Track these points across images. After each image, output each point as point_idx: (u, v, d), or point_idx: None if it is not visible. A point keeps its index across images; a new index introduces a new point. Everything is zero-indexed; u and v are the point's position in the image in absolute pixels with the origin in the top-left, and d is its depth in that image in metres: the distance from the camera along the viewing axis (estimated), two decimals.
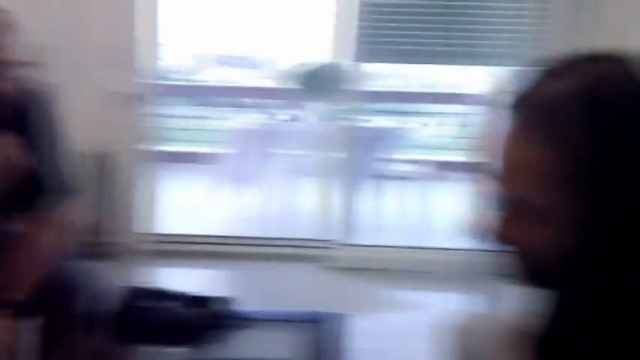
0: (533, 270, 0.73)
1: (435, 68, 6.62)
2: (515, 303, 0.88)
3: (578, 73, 0.64)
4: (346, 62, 3.33)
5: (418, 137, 5.42)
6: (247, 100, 7.70)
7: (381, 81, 8.31)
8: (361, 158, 3.94)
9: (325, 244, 3.50)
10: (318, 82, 4.21)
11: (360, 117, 3.76)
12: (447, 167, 5.96)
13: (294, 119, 4.47)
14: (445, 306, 2.94)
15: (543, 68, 0.67)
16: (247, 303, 2.99)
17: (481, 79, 3.97)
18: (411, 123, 6.84)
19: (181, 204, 4.54)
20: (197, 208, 4.68)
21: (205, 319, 1.31)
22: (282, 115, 4.64)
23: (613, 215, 0.62)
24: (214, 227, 4.19)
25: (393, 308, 3.07)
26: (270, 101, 7.32)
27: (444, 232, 4.15)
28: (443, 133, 4.97)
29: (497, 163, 0.69)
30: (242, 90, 8.25)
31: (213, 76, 9.59)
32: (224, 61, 9.82)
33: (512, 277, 0.76)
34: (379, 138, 4.11)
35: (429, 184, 4.44)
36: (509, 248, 0.73)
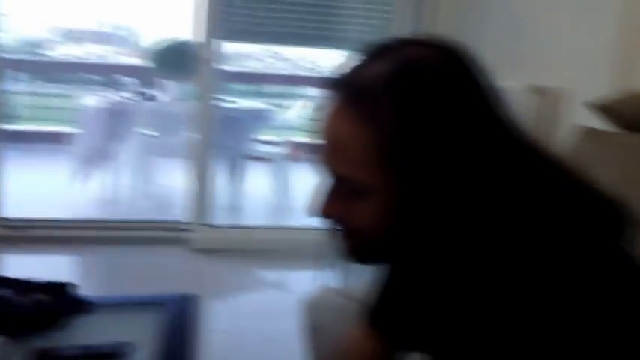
0: (357, 247, 0.76)
1: (307, 51, 6.69)
2: (365, 277, 0.91)
3: (393, 56, 0.68)
4: (203, 41, 3.26)
5: (280, 119, 5.46)
6: (102, 78, 7.33)
7: (248, 62, 8.28)
8: (221, 139, 3.91)
9: (184, 227, 3.44)
10: (173, 61, 4.10)
11: (219, 97, 3.72)
12: (305, 148, 6.07)
13: (151, 98, 4.32)
14: (305, 284, 3.01)
15: (366, 51, 0.71)
16: (95, 288, 2.89)
17: (338, 62, 4.07)
18: (273, 105, 6.89)
19: (31, 187, 4.26)
20: (48, 191, 4.42)
21: (43, 305, 1.25)
22: (139, 94, 4.46)
23: (425, 191, 0.67)
24: (66, 211, 3.98)
25: (254, 288, 3.10)
26: (126, 79, 7.02)
27: (303, 212, 4.24)
28: (304, 115, 5.04)
29: (321, 142, 0.71)
30: (96, 66, 7.85)
31: (67, 52, 9.05)
32: (78, 36, 9.28)
33: (343, 255, 0.78)
34: (239, 119, 4.09)
35: (289, 164, 4.50)
36: (334, 226, 0.75)
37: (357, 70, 0.70)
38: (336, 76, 0.71)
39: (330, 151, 0.70)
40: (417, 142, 0.65)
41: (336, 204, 0.72)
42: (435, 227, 0.69)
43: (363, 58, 0.70)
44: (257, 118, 4.24)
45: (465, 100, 0.67)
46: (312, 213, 0.75)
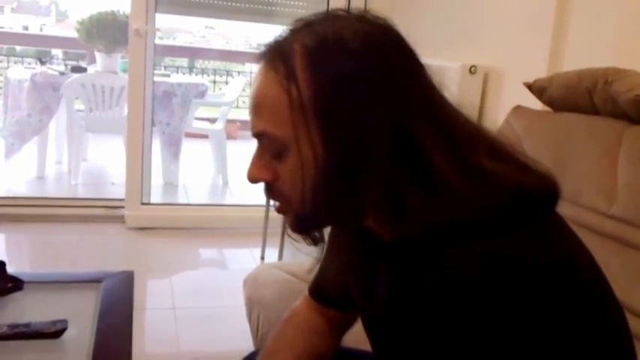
0: (292, 214, 0.76)
1: (242, 26, 6.58)
2: (303, 251, 0.92)
3: (317, 27, 0.71)
4: (139, 12, 3.16)
5: (216, 95, 5.39)
6: (29, 49, 7.03)
7: (182, 36, 8.10)
8: (156, 114, 3.83)
9: (119, 204, 3.38)
10: (103, 32, 3.97)
11: (154, 72, 3.63)
12: (243, 125, 6.02)
13: (80, 70, 4.17)
14: (243, 261, 3.02)
15: (293, 23, 0.74)
16: (30, 266, 2.81)
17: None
18: (210, 80, 6.79)
19: None
20: None
21: None
22: (68, 66, 4.31)
23: (330, 151, 0.69)
24: None
25: (192, 266, 3.08)
26: (55, 51, 6.75)
27: (242, 189, 4.24)
28: (240, 91, 5.00)
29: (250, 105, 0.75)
30: (24, 37, 7.51)
31: None
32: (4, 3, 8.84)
33: (287, 225, 0.79)
34: (175, 94, 4.01)
35: (227, 141, 4.46)
36: (268, 192, 0.76)
37: (281, 38, 0.73)
38: (264, 45, 0.75)
39: (253, 110, 0.73)
40: (325, 102, 0.68)
41: (263, 167, 0.74)
42: (356, 191, 0.69)
43: (289, 29, 0.74)
44: (192, 93, 4.16)
45: (383, 69, 0.69)
46: (247, 179, 0.76)
